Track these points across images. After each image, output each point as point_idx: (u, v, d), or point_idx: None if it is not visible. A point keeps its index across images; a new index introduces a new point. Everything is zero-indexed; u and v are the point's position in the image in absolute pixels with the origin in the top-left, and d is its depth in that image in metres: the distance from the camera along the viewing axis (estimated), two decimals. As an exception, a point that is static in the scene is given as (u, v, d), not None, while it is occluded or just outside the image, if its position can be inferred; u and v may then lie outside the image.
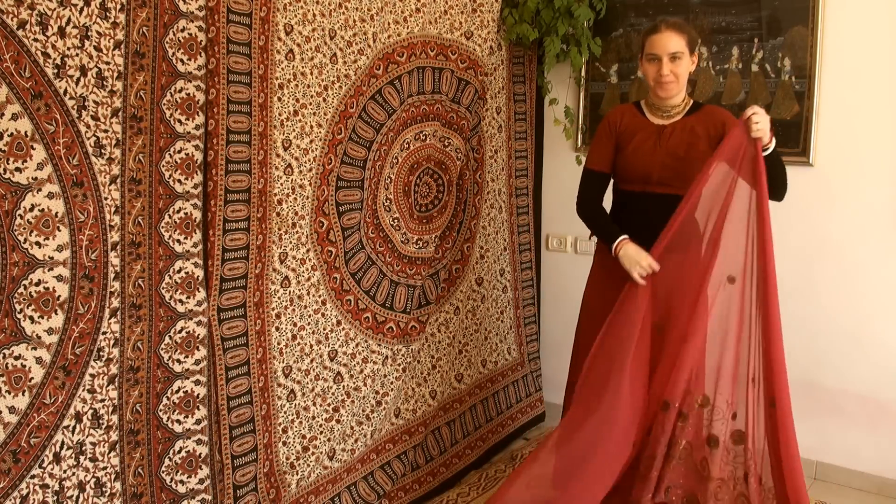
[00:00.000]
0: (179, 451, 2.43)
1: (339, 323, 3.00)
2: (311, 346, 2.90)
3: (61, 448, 2.14)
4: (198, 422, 2.47)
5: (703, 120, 2.89)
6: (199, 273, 2.44)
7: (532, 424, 4.22)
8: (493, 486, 3.60)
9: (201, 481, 2.49)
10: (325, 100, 2.82)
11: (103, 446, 2.24)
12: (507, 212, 4.04)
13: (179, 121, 2.32)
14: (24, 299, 2.02)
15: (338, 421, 3.03)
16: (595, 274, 3.11)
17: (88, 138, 2.11)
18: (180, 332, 2.40)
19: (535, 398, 4.27)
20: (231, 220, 2.53)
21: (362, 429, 3.14)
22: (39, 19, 1.98)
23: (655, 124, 2.93)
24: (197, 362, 2.45)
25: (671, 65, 2.82)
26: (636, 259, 2.80)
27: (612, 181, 3.06)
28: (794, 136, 3.54)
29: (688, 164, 2.84)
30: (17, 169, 1.98)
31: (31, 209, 2.01)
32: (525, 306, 4.22)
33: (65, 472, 2.15)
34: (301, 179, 2.77)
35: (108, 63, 2.14)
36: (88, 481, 2.21)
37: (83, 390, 2.17)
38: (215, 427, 2.56)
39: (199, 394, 2.46)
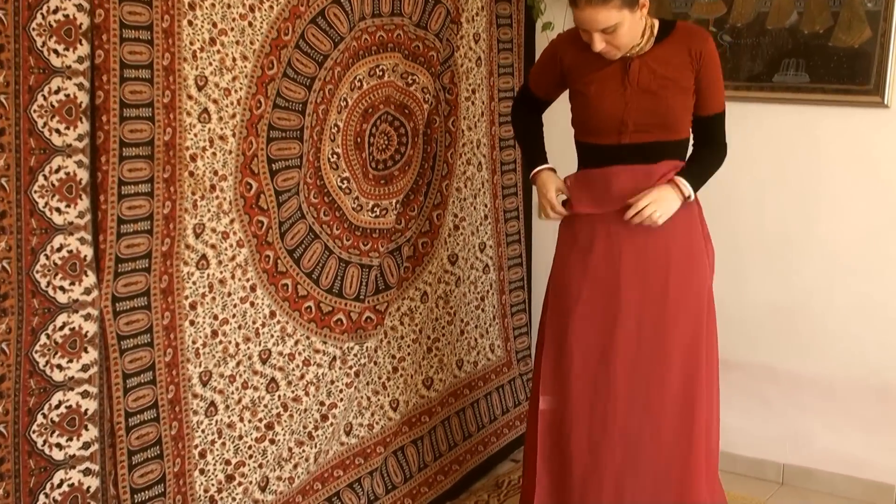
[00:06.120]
0: (60, 486, 2.41)
1: (272, 314, 3.01)
2: (237, 344, 2.91)
3: None
4: (86, 446, 2.45)
5: (679, 46, 2.95)
6: (88, 251, 2.42)
7: (522, 442, 4.18)
8: (473, 522, 3.64)
9: (91, 524, 2.50)
10: (250, 24, 2.80)
11: (-41, 480, 2.22)
12: (489, 169, 4.06)
13: (56, 51, 2.27)
14: None
15: (272, 441, 3.03)
16: (561, 242, 3.21)
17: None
18: (62, 328, 2.38)
19: (526, 408, 4.24)
20: (128, 182, 2.51)
21: (303, 451, 3.15)
22: None
23: (618, 58, 2.97)
24: (85, 368, 2.43)
25: (607, 36, 2.85)
26: (541, 191, 3.15)
27: (574, 133, 3.16)
28: (863, 69, 3.57)
29: (667, 104, 2.94)
30: None
31: None
32: (512, 290, 4.26)
33: None
34: (221, 128, 2.76)
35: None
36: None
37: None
38: (109, 452, 2.54)
39: (87, 409, 2.44)
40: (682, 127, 3.00)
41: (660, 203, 2.90)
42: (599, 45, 2.86)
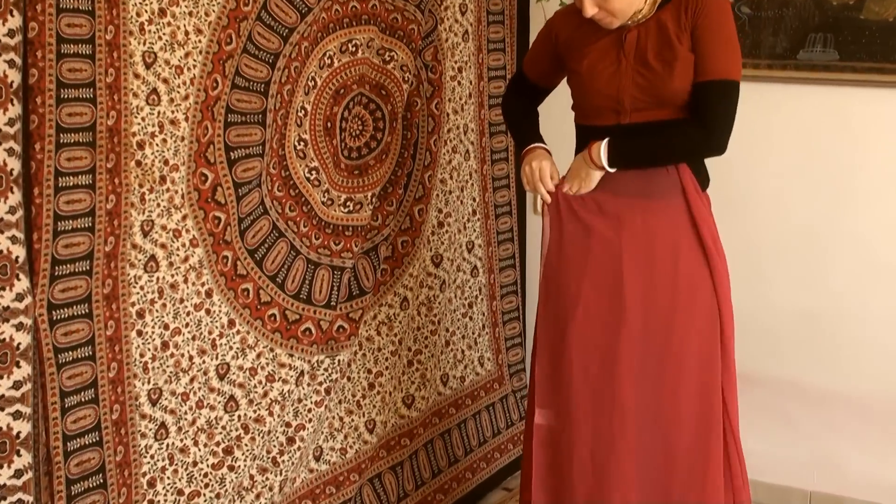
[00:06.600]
0: (-11, 520, 2.40)
1: (231, 323, 3.01)
2: (191, 357, 2.90)
3: None
4: (18, 473, 2.41)
5: (678, 7, 2.92)
6: (20, 252, 2.38)
7: (516, 467, 4.23)
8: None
9: (25, 563, 2.48)
10: (205, -8, 2.82)
11: None
12: (477, 158, 4.06)
13: (-18, 23, 2.27)
14: None
15: (231, 468, 3.03)
16: (553, 239, 3.18)
17: None
18: (-10, 340, 2.36)
19: (520, 429, 4.27)
20: (67, 173, 2.49)
21: (267, 479, 3.14)
22: None
23: (613, 30, 2.97)
24: (17, 385, 2.39)
25: (599, 1, 2.86)
26: (531, 165, 3.13)
27: (574, 117, 3.16)
28: (896, 45, 3.62)
29: (663, 78, 2.91)
30: None
31: None
32: (504, 296, 4.28)
33: None
34: (172, 111, 2.75)
35: None
36: None
37: None
38: (45, 481, 2.52)
39: (19, 432, 2.40)
40: (687, 104, 2.96)
41: (574, 180, 3.02)
42: (591, 9, 2.86)
